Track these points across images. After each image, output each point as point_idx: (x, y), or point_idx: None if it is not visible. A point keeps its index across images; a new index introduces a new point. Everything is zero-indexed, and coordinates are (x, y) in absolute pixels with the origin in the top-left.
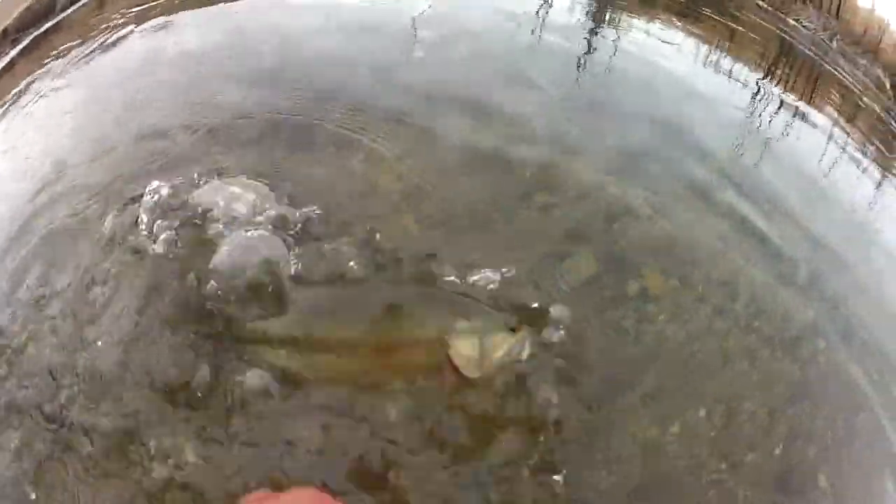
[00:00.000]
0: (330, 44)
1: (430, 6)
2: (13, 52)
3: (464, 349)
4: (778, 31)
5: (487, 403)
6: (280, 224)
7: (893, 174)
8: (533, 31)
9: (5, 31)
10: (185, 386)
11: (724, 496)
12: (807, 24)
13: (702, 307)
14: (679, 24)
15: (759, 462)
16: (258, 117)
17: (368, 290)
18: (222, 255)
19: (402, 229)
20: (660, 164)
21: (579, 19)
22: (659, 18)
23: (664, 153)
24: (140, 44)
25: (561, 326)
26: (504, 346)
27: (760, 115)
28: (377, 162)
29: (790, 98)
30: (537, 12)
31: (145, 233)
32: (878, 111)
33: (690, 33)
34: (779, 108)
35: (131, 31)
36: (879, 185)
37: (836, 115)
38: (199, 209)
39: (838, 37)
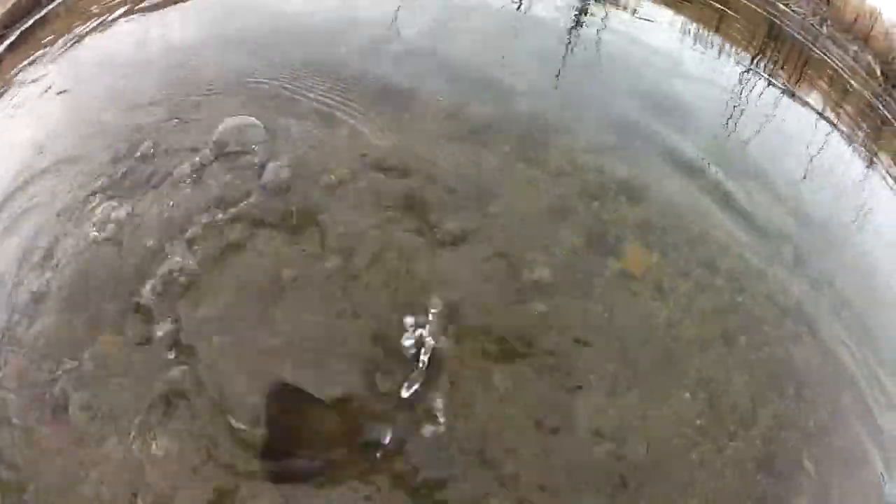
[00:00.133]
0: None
1: None
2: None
3: None
4: (767, 15)
5: None
6: None
7: (880, 158)
8: (520, 9)
9: None
10: None
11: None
12: (797, 8)
13: (683, 284)
14: (668, 4)
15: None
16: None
17: None
18: None
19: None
20: (644, 140)
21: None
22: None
23: (649, 130)
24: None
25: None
26: None
27: (748, 96)
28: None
29: (778, 80)
30: None
31: None
32: (868, 97)
33: (679, 14)
34: (766, 89)
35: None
36: (867, 167)
37: (824, 98)
38: None
39: (828, 22)
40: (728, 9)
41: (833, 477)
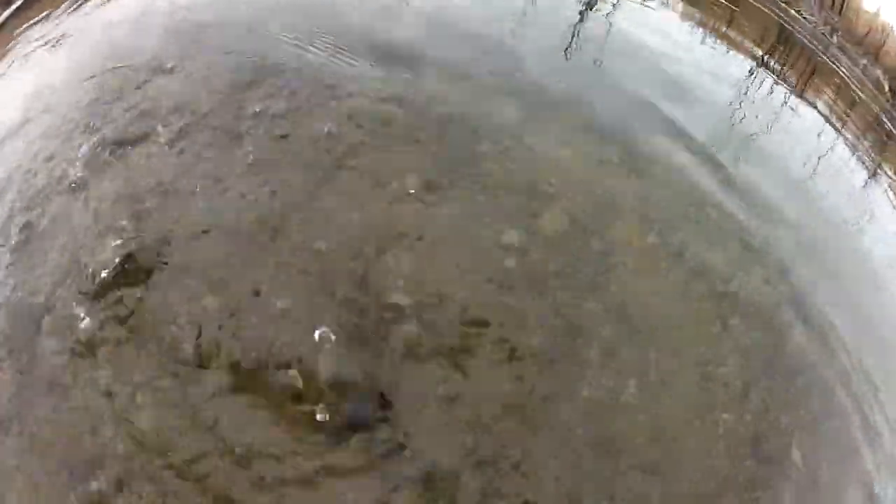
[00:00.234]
0: None
1: None
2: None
3: None
4: (777, 19)
5: None
6: None
7: (884, 170)
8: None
9: None
10: None
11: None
12: (808, 16)
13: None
14: (678, 3)
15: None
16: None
17: None
18: None
19: None
20: (643, 133)
21: None
22: None
23: (647, 124)
24: None
25: None
26: None
27: (754, 94)
28: None
29: (785, 83)
30: None
31: None
32: (876, 111)
33: (688, 13)
34: (773, 89)
35: None
36: (868, 178)
37: (830, 106)
38: None
39: (839, 33)
40: (737, 7)
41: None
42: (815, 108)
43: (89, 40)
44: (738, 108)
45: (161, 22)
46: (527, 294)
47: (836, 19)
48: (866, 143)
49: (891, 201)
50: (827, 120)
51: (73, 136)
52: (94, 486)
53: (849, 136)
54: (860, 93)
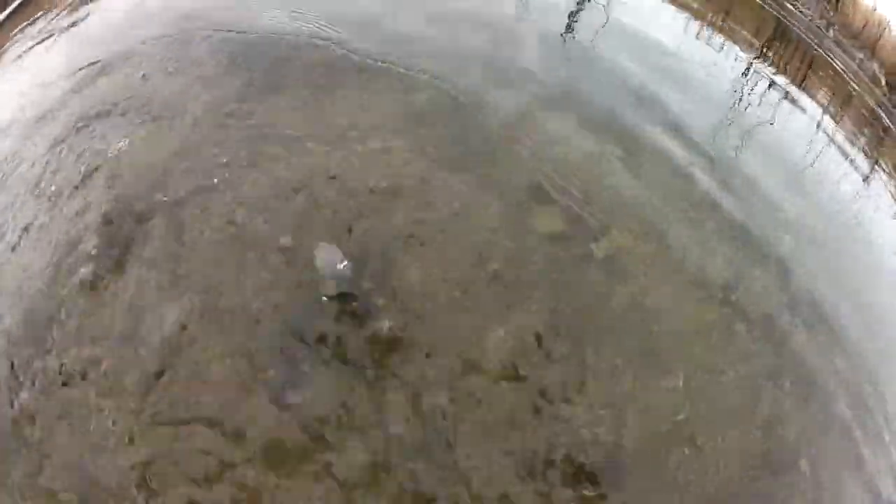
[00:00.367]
0: None
1: None
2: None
3: None
4: (773, 12)
5: None
6: None
7: (881, 165)
8: None
9: None
10: None
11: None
12: (804, 10)
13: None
14: None
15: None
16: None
17: None
18: None
19: None
20: (638, 127)
21: None
22: None
23: (644, 118)
24: None
25: None
26: None
27: (748, 91)
28: None
29: (781, 79)
30: None
31: None
32: (871, 104)
33: (685, 4)
34: (768, 87)
35: None
36: (866, 175)
37: (827, 100)
38: None
39: (835, 27)
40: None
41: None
42: (812, 101)
43: None
44: (735, 103)
45: None
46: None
47: (831, 14)
48: (863, 139)
49: (891, 195)
50: (825, 113)
51: None
52: None
53: (845, 131)
54: (856, 86)
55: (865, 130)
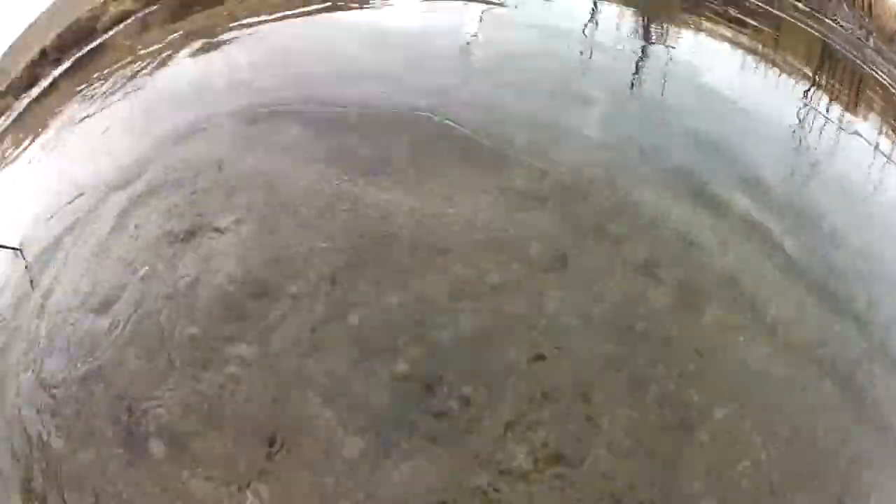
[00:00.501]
0: None
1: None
2: (56, 73)
3: None
4: (818, 35)
5: None
6: None
7: None
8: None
9: (44, 51)
10: None
11: None
12: (843, 23)
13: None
14: (727, 33)
15: None
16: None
17: None
18: None
19: None
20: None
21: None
22: (704, 29)
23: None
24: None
25: None
26: None
27: (810, 129)
28: None
29: (836, 107)
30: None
31: None
32: None
33: (737, 42)
34: (826, 120)
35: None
36: None
37: (880, 121)
38: None
39: (874, 34)
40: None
41: None
42: (867, 123)
43: None
44: (798, 140)
45: None
46: None
47: (867, 20)
48: None
49: None
50: (880, 137)
51: None
52: None
53: None
54: None
55: None
